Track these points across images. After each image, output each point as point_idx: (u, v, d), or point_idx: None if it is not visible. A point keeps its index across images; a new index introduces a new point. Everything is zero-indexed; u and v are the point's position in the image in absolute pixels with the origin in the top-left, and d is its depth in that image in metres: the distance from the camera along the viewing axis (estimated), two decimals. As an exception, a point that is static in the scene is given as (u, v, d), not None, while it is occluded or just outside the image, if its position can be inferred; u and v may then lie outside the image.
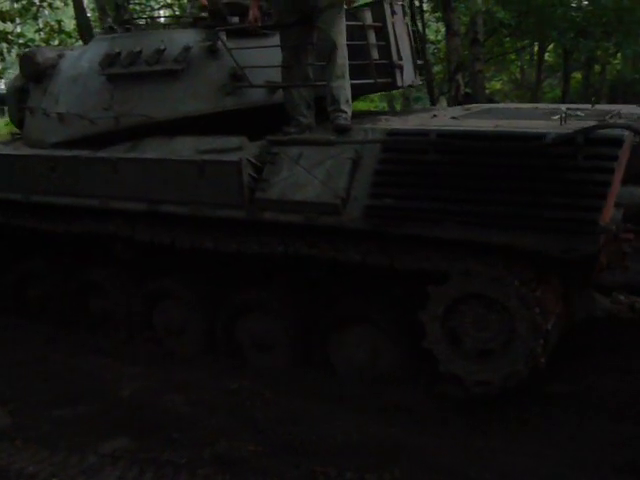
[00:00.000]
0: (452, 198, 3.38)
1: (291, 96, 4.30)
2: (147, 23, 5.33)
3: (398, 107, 18.19)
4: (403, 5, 4.94)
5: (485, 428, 3.44)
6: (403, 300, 3.85)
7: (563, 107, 4.02)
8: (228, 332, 4.43)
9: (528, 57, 22.99)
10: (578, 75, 21.24)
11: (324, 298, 4.10)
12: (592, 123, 3.38)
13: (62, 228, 4.75)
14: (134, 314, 4.80)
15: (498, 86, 24.24)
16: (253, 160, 3.91)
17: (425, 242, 3.49)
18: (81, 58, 4.97)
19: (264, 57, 4.41)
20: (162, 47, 4.48)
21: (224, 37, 4.43)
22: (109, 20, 11.93)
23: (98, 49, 4.86)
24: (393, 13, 4.67)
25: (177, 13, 14.12)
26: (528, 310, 3.29)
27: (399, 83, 4.62)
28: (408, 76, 4.81)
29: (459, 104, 9.35)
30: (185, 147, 4.27)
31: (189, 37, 4.59)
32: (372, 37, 4.54)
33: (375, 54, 4.53)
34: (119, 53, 4.60)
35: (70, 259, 5.09)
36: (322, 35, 4.03)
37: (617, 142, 3.15)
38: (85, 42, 12.89)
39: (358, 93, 4.62)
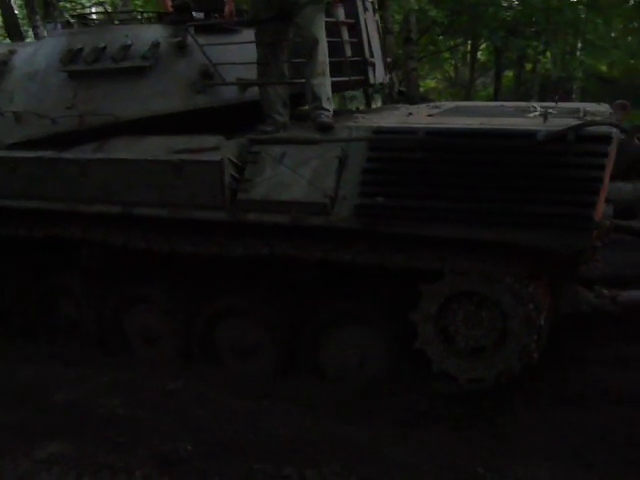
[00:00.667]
0: (444, 196, 3.37)
1: (267, 94, 4.20)
2: (106, 18, 5.08)
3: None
4: (373, 2, 4.92)
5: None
6: (392, 300, 3.82)
7: (536, 104, 4.09)
8: (206, 338, 4.29)
9: (461, 55, 23.54)
10: (510, 73, 21.92)
11: (310, 300, 4.01)
12: (572, 121, 3.44)
13: (23, 233, 4.48)
14: (103, 321, 4.59)
15: (432, 84, 24.71)
16: (234, 160, 3.78)
17: (416, 240, 3.47)
18: (36, 54, 4.71)
19: (234, 54, 4.28)
20: (128, 43, 4.29)
21: (193, 33, 4.28)
22: (37, 18, 11.42)
23: (56, 45, 4.61)
24: (365, 10, 4.63)
25: (109, 10, 13.69)
26: (522, 306, 3.32)
27: (372, 80, 4.60)
28: (379, 73, 4.80)
29: (394, 102, 9.46)
30: (157, 147, 4.10)
31: (155, 33, 4.41)
32: (345, 34, 4.49)
33: (348, 51, 4.49)
34: (81, 49, 4.37)
35: (35, 264, 4.82)
36: (302, 32, 3.94)
37: (606, 139, 3.22)
38: (12, 40, 12.31)
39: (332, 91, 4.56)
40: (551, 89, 18.86)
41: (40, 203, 4.33)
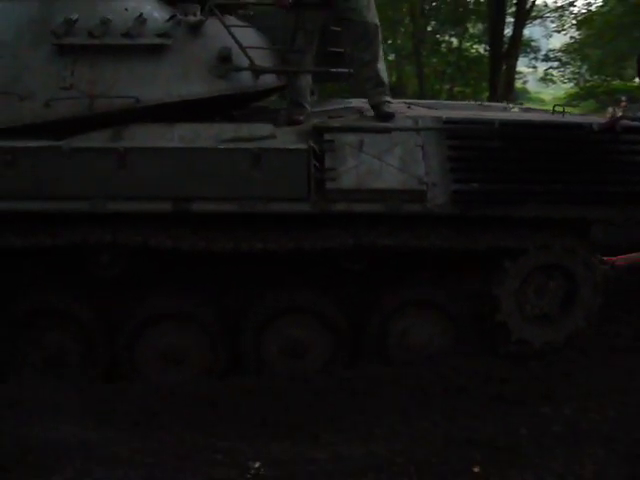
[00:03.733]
0: (523, 180, 3.72)
1: (299, 82, 4.08)
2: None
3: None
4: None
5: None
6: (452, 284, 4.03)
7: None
8: (255, 346, 3.96)
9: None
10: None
11: (371, 290, 4.00)
12: (588, 116, 4.12)
13: (19, 243, 3.57)
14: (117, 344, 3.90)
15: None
16: (316, 148, 3.63)
17: (501, 222, 3.77)
18: None
19: (247, 39, 4.07)
20: (142, 17, 3.77)
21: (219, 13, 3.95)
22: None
23: (24, 11, 3.81)
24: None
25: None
26: (592, 274, 3.86)
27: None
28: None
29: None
30: (199, 135, 3.69)
31: (153, 7, 3.94)
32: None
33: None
34: (75, 20, 3.69)
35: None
36: (357, 18, 3.91)
37: (635, 130, 3.92)
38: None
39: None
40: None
41: (52, 204, 3.53)
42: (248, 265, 3.84)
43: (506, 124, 3.81)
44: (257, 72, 4.02)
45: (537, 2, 16.89)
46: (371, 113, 3.99)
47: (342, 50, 4.30)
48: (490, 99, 12.40)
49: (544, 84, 18.70)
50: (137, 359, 3.90)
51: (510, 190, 3.70)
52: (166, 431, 3.20)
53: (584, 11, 16.96)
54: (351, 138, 3.70)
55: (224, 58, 3.90)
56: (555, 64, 17.83)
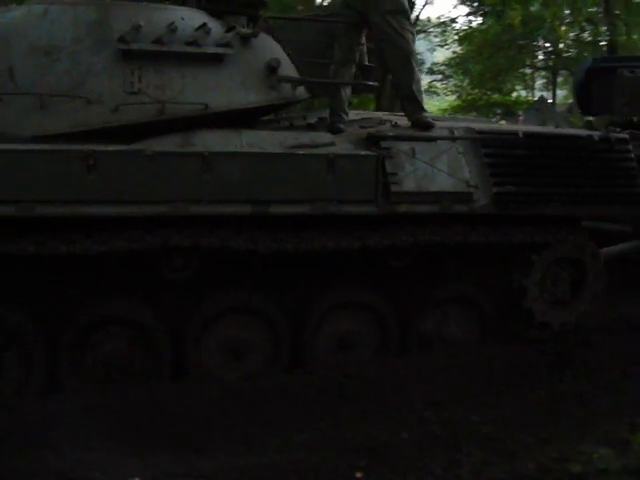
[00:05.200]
0: (550, 183, 4.29)
1: (339, 93, 4.39)
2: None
3: None
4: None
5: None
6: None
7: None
8: (309, 338, 4.19)
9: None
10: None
11: (413, 284, 4.36)
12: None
13: (96, 248, 3.53)
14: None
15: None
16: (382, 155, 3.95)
17: (529, 220, 4.31)
18: (42, 24, 3.74)
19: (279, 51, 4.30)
20: (206, 27, 3.89)
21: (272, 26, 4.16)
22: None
23: (80, 15, 3.79)
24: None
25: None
26: (598, 263, 4.51)
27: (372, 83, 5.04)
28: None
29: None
30: (266, 142, 3.88)
31: (203, 18, 4.07)
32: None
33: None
34: (139, 26, 3.75)
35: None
36: (394, 39, 4.26)
37: (626, 141, 4.64)
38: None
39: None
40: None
41: (134, 208, 3.54)
42: (305, 265, 4.05)
43: (528, 135, 4.35)
44: (301, 84, 4.25)
45: (421, 17, 18.18)
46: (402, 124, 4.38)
47: (372, 65, 4.64)
48: (376, 110, 13.16)
49: (429, 96, 20.02)
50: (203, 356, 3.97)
51: (538, 192, 4.24)
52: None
53: (465, 28, 18.51)
54: (405, 146, 4.05)
55: (273, 69, 4.10)
56: (439, 77, 19.14)
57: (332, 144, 4.00)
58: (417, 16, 16.24)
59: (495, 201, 4.15)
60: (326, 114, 4.51)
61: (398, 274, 4.29)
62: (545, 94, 18.26)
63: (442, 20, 19.15)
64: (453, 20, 19.07)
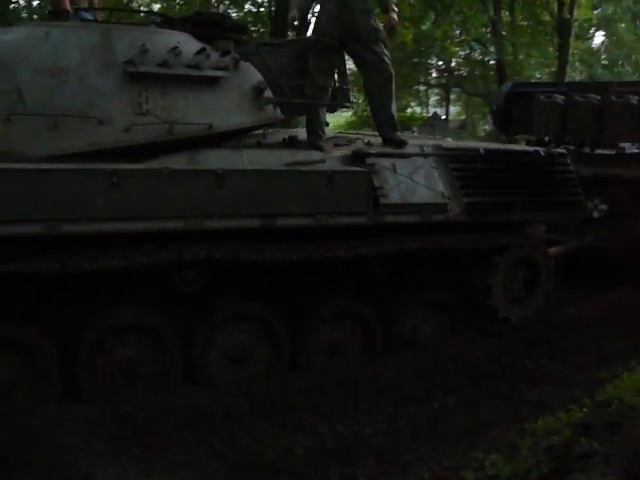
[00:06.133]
0: (512, 193, 4.85)
1: (317, 115, 4.73)
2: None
3: None
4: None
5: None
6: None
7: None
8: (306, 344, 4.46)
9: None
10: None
11: (392, 289, 4.75)
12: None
13: (117, 264, 3.63)
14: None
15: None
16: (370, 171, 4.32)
17: (491, 226, 4.84)
18: (45, 47, 3.80)
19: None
20: (206, 50, 4.11)
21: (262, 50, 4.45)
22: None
23: (84, 38, 3.90)
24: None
25: None
26: (548, 263, 5.13)
27: (348, 103, 5.43)
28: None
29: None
30: (264, 160, 4.16)
31: (192, 42, 4.28)
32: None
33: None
34: (146, 49, 3.91)
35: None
36: (375, 64, 4.68)
37: (565, 155, 5.31)
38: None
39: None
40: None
41: (154, 224, 3.68)
42: (297, 275, 4.33)
43: (488, 151, 4.90)
44: (287, 105, 4.55)
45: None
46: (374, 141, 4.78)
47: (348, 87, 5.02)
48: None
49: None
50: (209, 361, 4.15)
51: (502, 201, 4.78)
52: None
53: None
54: (386, 162, 4.45)
55: (261, 91, 4.37)
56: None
57: (323, 161, 4.32)
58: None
59: (466, 210, 4.63)
60: (287, 133, 4.79)
61: (380, 281, 4.65)
62: (439, 110, 19.50)
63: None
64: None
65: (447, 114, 19.76)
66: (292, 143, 4.60)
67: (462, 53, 18.00)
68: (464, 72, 18.27)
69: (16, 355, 3.67)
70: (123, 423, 3.46)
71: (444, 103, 21.03)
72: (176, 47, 3.98)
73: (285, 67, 4.83)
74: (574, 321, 5.25)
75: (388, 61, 4.73)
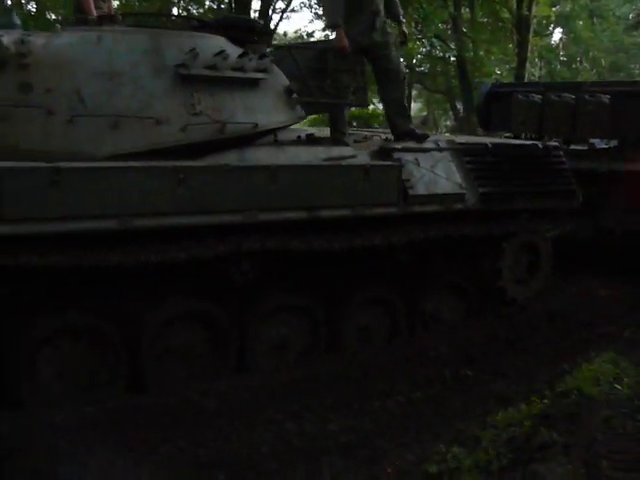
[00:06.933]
0: (518, 183, 5.29)
1: (343, 114, 5.07)
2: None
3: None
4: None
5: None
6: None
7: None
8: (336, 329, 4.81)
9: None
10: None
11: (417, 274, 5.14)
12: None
13: (183, 256, 3.88)
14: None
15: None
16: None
17: (500, 214, 5.27)
18: (99, 51, 4.01)
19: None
20: (249, 54, 4.39)
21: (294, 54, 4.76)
22: None
23: (133, 43, 4.12)
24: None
25: None
26: (548, 247, 5.61)
27: (368, 103, 5.78)
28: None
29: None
30: (303, 156, 4.47)
31: (228, 45, 4.55)
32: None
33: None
34: (197, 53, 4.17)
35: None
36: (393, 66, 5.06)
37: (558, 148, 5.80)
38: None
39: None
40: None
41: (211, 218, 3.95)
42: (334, 264, 4.66)
43: (495, 145, 5.34)
44: (316, 105, 4.88)
45: (278, 31, 19.00)
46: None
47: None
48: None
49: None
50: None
51: (511, 190, 5.22)
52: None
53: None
54: (410, 156, 4.83)
55: (291, 91, 4.68)
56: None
57: (354, 157, 4.66)
58: (273, 30, 17.07)
59: (481, 200, 5.05)
60: (300, 132, 5.10)
61: (404, 268, 5.03)
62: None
63: (299, 34, 20.14)
64: (310, 35, 20.16)
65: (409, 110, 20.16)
66: (311, 140, 4.91)
67: (423, 50, 18.51)
68: (425, 69, 18.82)
69: (90, 343, 3.90)
70: (86, 425, 3.46)
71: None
72: (223, 51, 4.24)
73: (306, 68, 5.15)
74: (538, 314, 5.54)
75: (399, 62, 5.13)
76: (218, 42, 4.36)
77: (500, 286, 5.41)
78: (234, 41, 4.50)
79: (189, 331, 4.22)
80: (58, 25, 19.24)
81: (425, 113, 18.48)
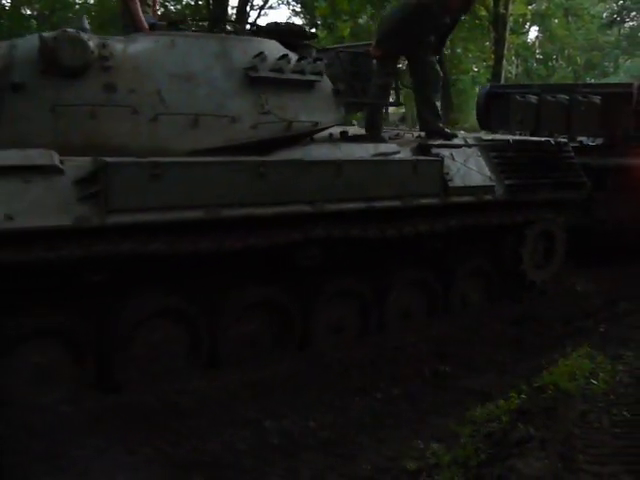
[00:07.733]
0: (539, 175, 5.80)
1: (379, 112, 5.50)
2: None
3: None
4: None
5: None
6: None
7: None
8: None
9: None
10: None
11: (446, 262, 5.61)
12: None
13: (260, 242, 4.24)
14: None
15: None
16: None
17: (522, 204, 5.78)
18: (174, 54, 4.33)
19: None
20: (307, 58, 4.77)
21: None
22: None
23: (204, 46, 4.46)
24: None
25: None
26: (563, 234, 6.15)
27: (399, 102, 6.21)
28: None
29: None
30: (356, 152, 4.88)
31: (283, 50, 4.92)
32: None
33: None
34: (265, 57, 4.54)
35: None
36: (431, 69, 5.50)
37: (567, 144, 6.34)
38: None
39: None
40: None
41: (286, 208, 4.31)
42: (381, 251, 5.08)
43: (516, 141, 5.84)
44: (362, 105, 5.29)
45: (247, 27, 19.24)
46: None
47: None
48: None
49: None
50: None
51: (533, 182, 5.73)
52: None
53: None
54: (446, 152, 5.28)
55: (338, 92, 5.08)
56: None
57: (398, 152, 5.08)
58: (252, 26, 17.31)
59: (507, 191, 5.54)
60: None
61: (439, 254, 5.49)
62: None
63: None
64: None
65: (387, 108, 20.64)
66: (355, 137, 5.31)
67: (400, 46, 18.95)
68: (403, 66, 19.28)
69: (176, 324, 4.24)
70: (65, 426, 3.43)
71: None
72: (286, 55, 4.60)
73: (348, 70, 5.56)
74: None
75: (437, 65, 5.57)
76: (277, 46, 4.72)
77: (522, 270, 5.92)
78: (286, 45, 4.88)
79: (260, 316, 4.59)
80: (33, 20, 19.18)
81: (403, 110, 18.85)
